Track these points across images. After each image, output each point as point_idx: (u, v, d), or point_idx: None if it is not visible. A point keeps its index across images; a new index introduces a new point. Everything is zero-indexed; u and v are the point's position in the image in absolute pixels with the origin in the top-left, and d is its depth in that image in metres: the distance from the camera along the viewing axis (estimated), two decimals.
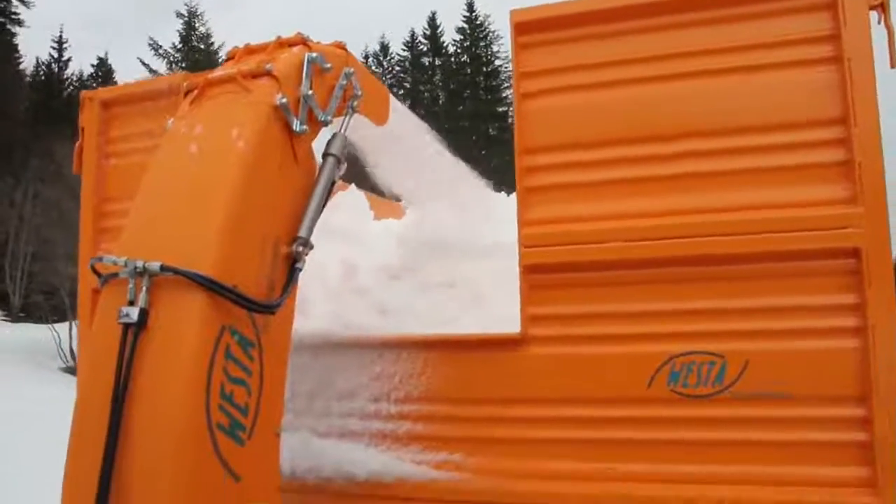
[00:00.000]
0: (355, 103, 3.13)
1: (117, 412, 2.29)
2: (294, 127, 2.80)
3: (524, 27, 3.38)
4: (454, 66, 55.61)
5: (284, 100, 2.76)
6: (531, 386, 3.21)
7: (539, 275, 3.23)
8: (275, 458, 2.74)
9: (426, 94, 56.45)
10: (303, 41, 3.02)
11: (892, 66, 3.15)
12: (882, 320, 2.86)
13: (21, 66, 51.69)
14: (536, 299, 3.23)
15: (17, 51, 51.02)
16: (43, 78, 54.73)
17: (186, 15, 51.36)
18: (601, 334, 3.15)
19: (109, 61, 56.71)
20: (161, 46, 49.82)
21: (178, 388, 2.33)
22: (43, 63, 55.31)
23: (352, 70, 3.10)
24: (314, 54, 2.92)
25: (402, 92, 54.57)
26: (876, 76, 2.98)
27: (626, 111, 3.23)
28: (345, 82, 3.06)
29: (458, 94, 53.54)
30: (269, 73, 2.82)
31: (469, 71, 54.17)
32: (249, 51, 3.07)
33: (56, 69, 55.33)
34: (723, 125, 3.11)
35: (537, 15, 3.35)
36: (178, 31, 51.72)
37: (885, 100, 3.02)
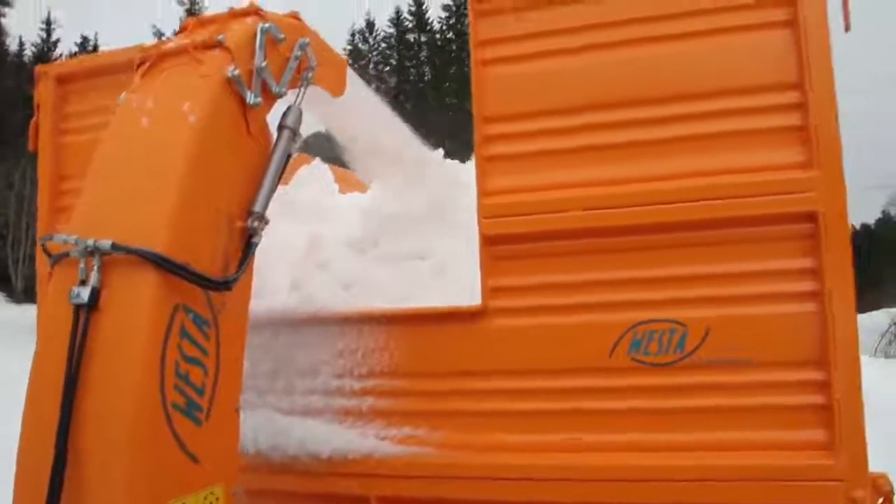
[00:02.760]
0: (310, 75, 3.06)
1: (70, 395, 2.24)
2: (248, 99, 2.74)
3: None
4: (440, 43, 55.38)
5: (237, 72, 2.70)
6: (494, 358, 3.21)
7: (499, 246, 3.21)
8: (234, 439, 2.71)
9: (412, 70, 56.23)
10: (256, 11, 2.94)
11: (847, 31, 3.16)
12: (839, 284, 2.88)
13: (10, 48, 50.84)
14: (497, 270, 3.21)
15: (6, 32, 50.21)
16: (32, 59, 53.42)
17: (187, 2, 50.17)
18: (562, 304, 3.14)
19: (97, 40, 55.36)
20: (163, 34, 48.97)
21: (131, 369, 2.28)
22: (34, 45, 54.14)
23: (307, 41, 3.03)
24: (267, 24, 2.85)
25: (388, 69, 54.24)
26: (831, 41, 2.98)
27: (583, 79, 3.20)
28: (299, 53, 3.00)
29: (445, 71, 53.40)
30: (221, 45, 2.75)
31: (455, 48, 54.02)
32: (202, 22, 3.00)
33: (45, 50, 54.09)
34: (680, 91, 3.10)
35: None
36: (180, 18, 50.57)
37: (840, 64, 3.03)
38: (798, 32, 2.96)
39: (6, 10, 49.81)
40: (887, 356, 25.28)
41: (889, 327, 27.94)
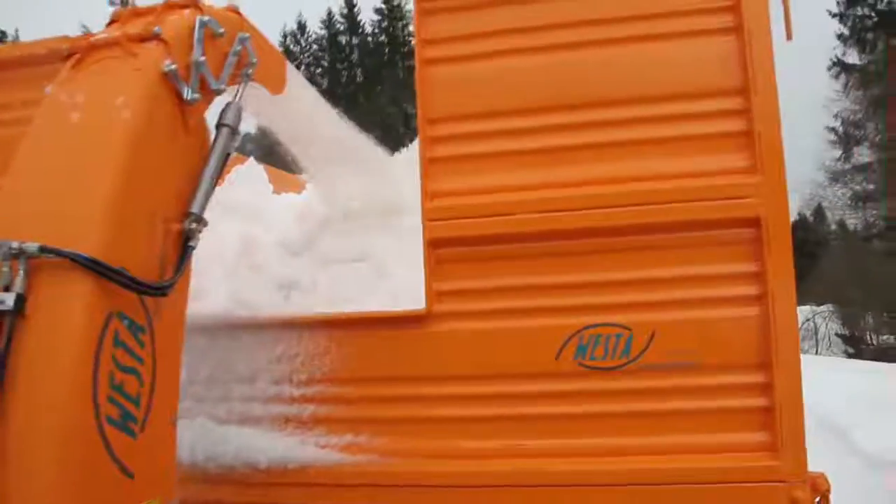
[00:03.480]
0: (250, 70, 2.96)
1: None
2: (185, 95, 2.62)
3: None
4: (371, 46, 55.34)
5: (174, 66, 2.58)
6: (438, 363, 3.16)
7: (444, 249, 3.17)
8: (171, 450, 2.60)
9: (344, 72, 55.99)
10: (194, 3, 2.82)
11: (789, 39, 3.21)
12: (781, 287, 2.92)
13: None
14: (441, 274, 3.17)
15: None
16: None
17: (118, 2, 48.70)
18: (507, 308, 3.11)
19: (18, 35, 53.39)
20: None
21: (61, 380, 2.14)
22: None
23: (247, 35, 2.93)
24: (206, 17, 2.74)
25: (319, 70, 53.85)
26: (773, 47, 3.02)
27: (528, 80, 3.19)
28: (239, 48, 2.89)
29: (377, 74, 53.39)
30: (157, 37, 2.62)
31: (387, 51, 54.07)
32: (136, 13, 2.85)
33: None
34: (625, 94, 3.11)
35: None
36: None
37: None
38: (742, 38, 3.00)
39: None
40: (801, 351, 26.07)
41: (803, 324, 28.89)
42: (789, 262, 2.93)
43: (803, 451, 2.88)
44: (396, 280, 3.74)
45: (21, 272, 2.20)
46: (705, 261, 3.02)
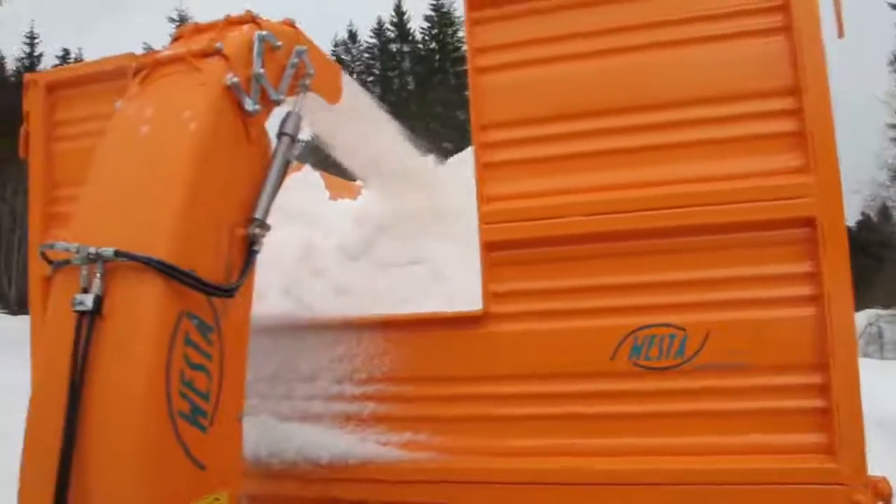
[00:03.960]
0: (308, 81, 3.06)
1: (74, 404, 2.22)
2: (246, 107, 2.73)
3: (477, 2, 3.35)
4: (422, 53, 55.64)
5: (236, 79, 2.69)
6: (494, 363, 3.21)
7: (500, 251, 3.22)
8: (237, 445, 2.70)
9: (395, 80, 56.40)
10: (252, 19, 2.94)
11: (840, 37, 3.19)
12: (837, 287, 2.90)
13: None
14: (498, 276, 3.22)
15: None
16: (15, 74, 53.12)
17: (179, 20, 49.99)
18: (563, 309, 3.15)
19: (79, 53, 55.03)
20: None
21: (137, 376, 2.27)
22: (17, 59, 53.92)
23: (303, 48, 3.04)
24: (264, 32, 2.85)
25: (371, 79, 54.36)
26: (825, 46, 3.01)
27: (580, 85, 3.22)
28: (296, 60, 3.00)
29: (427, 81, 53.60)
30: (219, 52, 2.73)
31: (438, 58, 54.29)
32: (198, 30, 2.98)
33: (29, 64, 53.69)
34: (677, 97, 3.12)
35: None
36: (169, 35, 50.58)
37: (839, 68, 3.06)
38: (793, 38, 2.99)
39: None
40: (865, 355, 25.53)
41: (866, 328, 28.22)
42: (845, 261, 2.91)
43: (862, 453, 2.84)
44: (452, 283, 3.81)
45: (98, 275, 2.34)
46: (760, 261, 3.01)
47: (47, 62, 53.45)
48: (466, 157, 4.39)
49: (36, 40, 54.94)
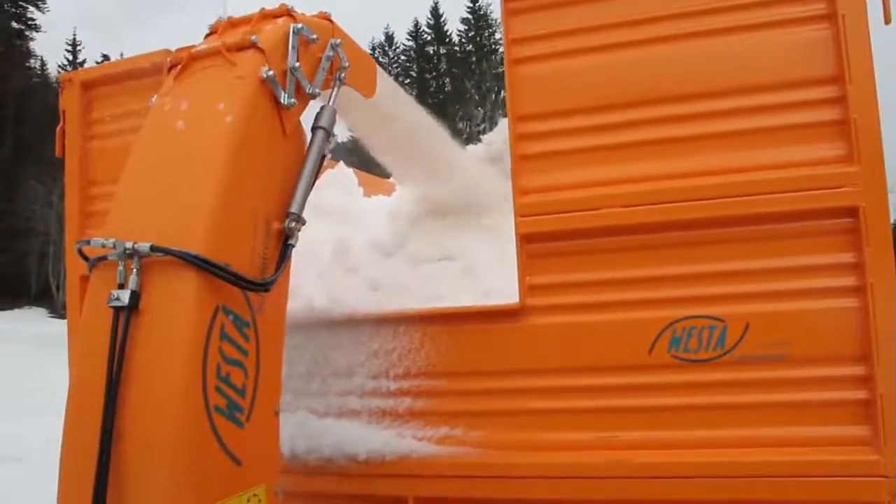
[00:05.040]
0: (343, 75, 3.05)
1: (112, 398, 2.22)
2: (282, 100, 2.72)
3: None
4: (459, 55, 55.84)
5: (271, 72, 2.68)
6: (532, 357, 3.19)
7: (536, 244, 3.20)
8: (274, 440, 2.70)
9: (432, 82, 56.66)
10: (287, 12, 2.92)
11: (887, 23, 3.12)
12: (880, 278, 2.85)
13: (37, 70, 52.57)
14: (534, 268, 3.20)
15: (34, 56, 51.85)
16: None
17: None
18: (601, 302, 3.12)
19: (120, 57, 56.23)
20: None
21: (173, 371, 2.26)
22: (60, 66, 55.15)
23: (338, 41, 3.02)
24: (300, 25, 2.83)
25: (408, 81, 54.71)
26: (870, 33, 2.94)
27: (618, 75, 3.19)
28: (331, 53, 2.98)
29: (464, 82, 53.75)
30: (254, 46, 2.72)
31: (474, 59, 54.46)
32: (233, 23, 2.97)
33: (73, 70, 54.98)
34: (718, 86, 3.08)
35: None
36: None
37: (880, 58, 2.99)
38: (837, 25, 2.93)
39: (34, 34, 51.61)
40: None
41: None
42: (889, 251, 2.86)
43: None
44: (486, 278, 3.79)
45: (135, 270, 2.33)
46: (802, 251, 2.96)
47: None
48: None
49: (79, 47, 56.12)
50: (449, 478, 3.22)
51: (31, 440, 9.96)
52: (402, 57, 59.82)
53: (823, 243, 2.95)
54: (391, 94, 3.71)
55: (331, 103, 2.97)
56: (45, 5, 52.86)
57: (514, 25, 3.33)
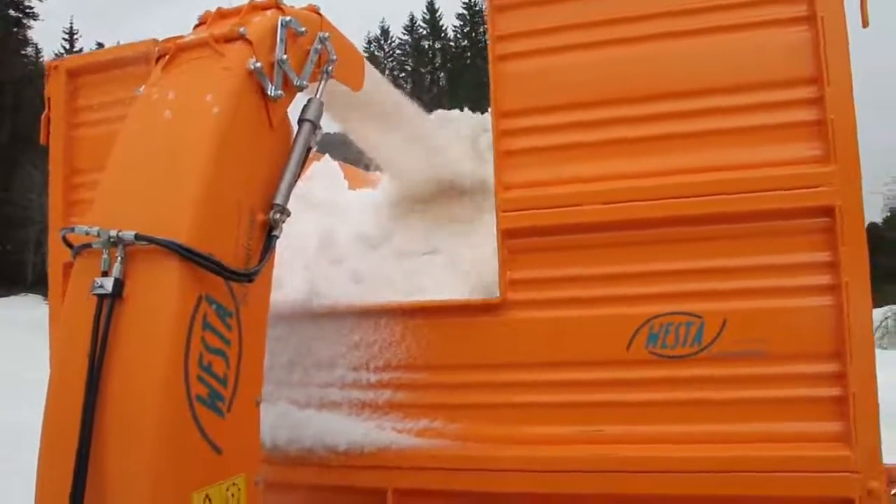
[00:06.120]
0: (330, 68, 3.06)
1: (93, 386, 2.22)
2: (269, 92, 2.73)
3: None
4: (454, 50, 55.83)
5: (259, 64, 2.69)
6: (512, 351, 3.22)
7: (517, 239, 3.23)
8: (255, 430, 2.72)
9: (427, 76, 56.62)
10: (276, 4, 2.93)
11: (865, 26, 3.17)
12: (855, 277, 2.90)
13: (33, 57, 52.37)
14: (516, 263, 3.23)
15: (30, 44, 51.69)
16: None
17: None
18: (580, 297, 3.16)
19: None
20: None
21: (156, 360, 2.27)
22: (56, 54, 54.83)
23: (327, 34, 3.03)
24: (288, 18, 2.84)
25: (403, 75, 54.64)
26: (848, 36, 2.99)
27: (601, 73, 3.22)
28: (319, 46, 3.00)
29: (459, 77, 53.72)
30: (242, 37, 2.73)
31: (469, 55, 54.45)
32: (221, 14, 2.97)
33: None
34: (697, 86, 3.12)
35: None
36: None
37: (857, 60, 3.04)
38: (816, 28, 2.98)
39: (31, 22, 51.44)
40: (882, 347, 25.47)
41: (882, 321, 28.23)
42: (863, 251, 2.91)
43: (878, 442, 2.85)
44: (469, 272, 3.81)
45: (119, 259, 2.34)
46: (778, 250, 3.01)
47: None
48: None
49: (75, 36, 55.79)
50: (428, 469, 3.24)
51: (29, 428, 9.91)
52: (398, 51, 59.84)
53: (800, 242, 3.00)
54: (378, 88, 3.72)
55: (318, 96, 2.98)
56: None
57: (500, 21, 3.35)
